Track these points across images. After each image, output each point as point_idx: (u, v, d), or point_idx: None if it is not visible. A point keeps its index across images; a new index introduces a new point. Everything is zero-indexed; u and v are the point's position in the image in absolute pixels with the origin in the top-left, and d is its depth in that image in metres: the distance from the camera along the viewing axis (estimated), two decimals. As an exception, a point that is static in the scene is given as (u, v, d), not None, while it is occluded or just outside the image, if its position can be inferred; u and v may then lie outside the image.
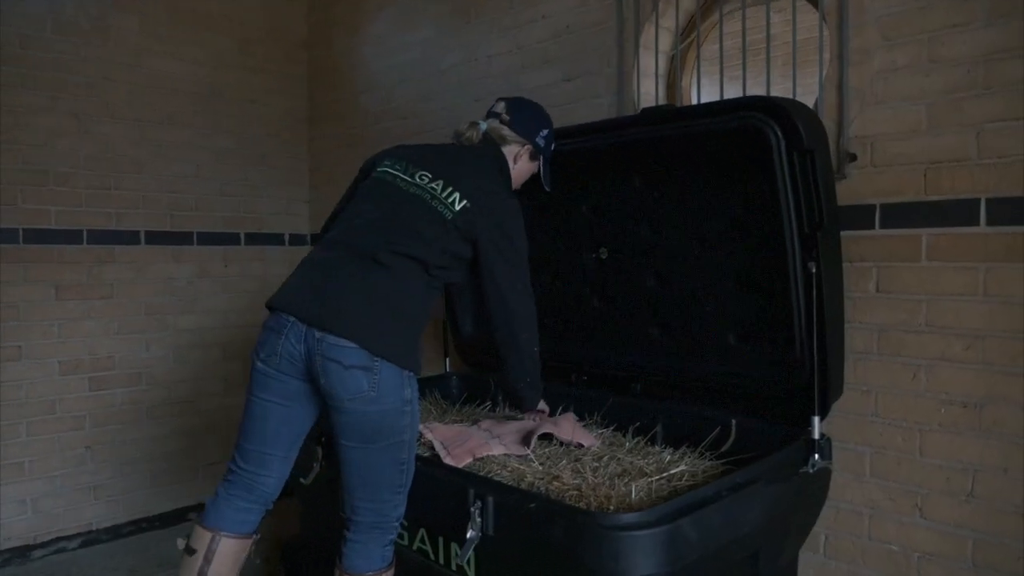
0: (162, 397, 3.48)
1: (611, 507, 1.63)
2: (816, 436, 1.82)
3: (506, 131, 2.00)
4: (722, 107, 1.87)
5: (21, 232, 3.05)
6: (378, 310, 1.71)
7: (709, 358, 2.14)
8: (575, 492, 1.70)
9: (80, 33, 3.17)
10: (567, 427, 2.06)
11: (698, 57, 2.59)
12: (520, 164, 2.03)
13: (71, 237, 3.17)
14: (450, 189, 1.83)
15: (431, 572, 1.83)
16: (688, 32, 2.56)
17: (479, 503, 1.62)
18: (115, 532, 3.33)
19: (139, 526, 3.39)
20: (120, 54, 3.28)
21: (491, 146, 2.00)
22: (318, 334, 1.67)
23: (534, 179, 2.11)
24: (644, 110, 2.04)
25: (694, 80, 2.60)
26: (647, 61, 2.49)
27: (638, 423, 2.21)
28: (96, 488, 3.30)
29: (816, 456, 1.81)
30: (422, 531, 1.85)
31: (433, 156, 1.92)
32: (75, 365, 3.22)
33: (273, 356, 1.74)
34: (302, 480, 2.05)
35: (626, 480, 1.77)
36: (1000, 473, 1.79)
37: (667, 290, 2.23)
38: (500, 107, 2.03)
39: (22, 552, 3.08)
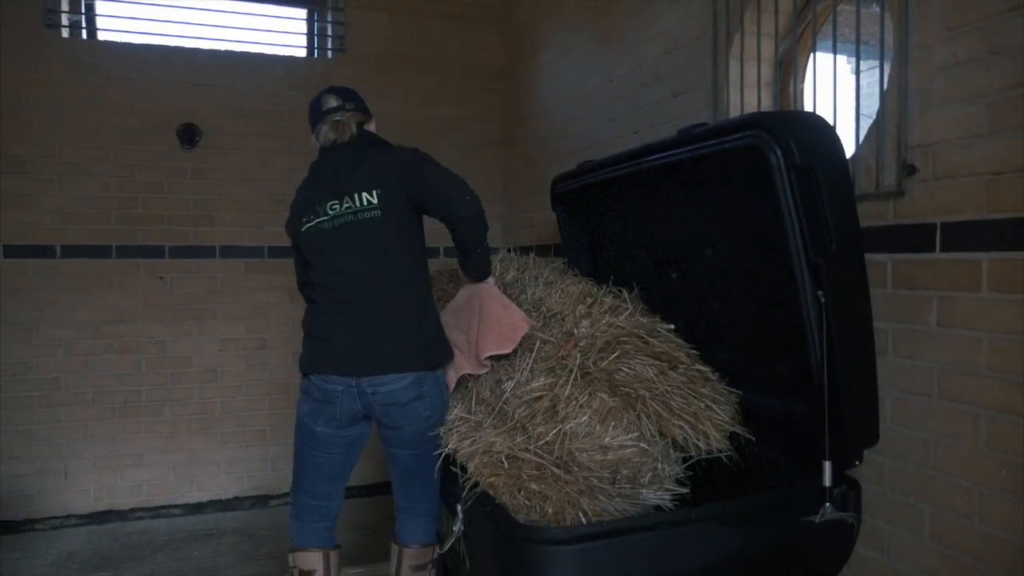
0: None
1: (565, 520, 1.68)
2: (827, 483, 1.64)
3: (360, 115, 2.19)
4: (731, 126, 1.76)
5: (266, 249, 3.90)
6: (399, 332, 1.99)
7: (771, 389, 2.00)
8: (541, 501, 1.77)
9: (305, 87, 3.92)
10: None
11: (813, 60, 2.39)
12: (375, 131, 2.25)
13: (302, 252, 3.95)
14: (358, 194, 2.04)
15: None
16: (801, 35, 2.37)
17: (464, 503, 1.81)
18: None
19: (363, 491, 4.04)
20: (340, 101, 3.97)
21: (360, 131, 2.18)
22: (369, 388, 1.97)
23: None
24: (679, 131, 1.98)
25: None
26: (748, 70, 2.36)
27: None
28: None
29: (827, 505, 1.64)
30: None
31: (323, 184, 2.13)
32: (305, 355, 3.99)
33: (333, 421, 2.04)
34: (438, 548, 2.14)
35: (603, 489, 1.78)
36: (1065, 559, 1.44)
37: (729, 314, 2.12)
38: (335, 102, 2.17)
39: (263, 500, 3.93)
